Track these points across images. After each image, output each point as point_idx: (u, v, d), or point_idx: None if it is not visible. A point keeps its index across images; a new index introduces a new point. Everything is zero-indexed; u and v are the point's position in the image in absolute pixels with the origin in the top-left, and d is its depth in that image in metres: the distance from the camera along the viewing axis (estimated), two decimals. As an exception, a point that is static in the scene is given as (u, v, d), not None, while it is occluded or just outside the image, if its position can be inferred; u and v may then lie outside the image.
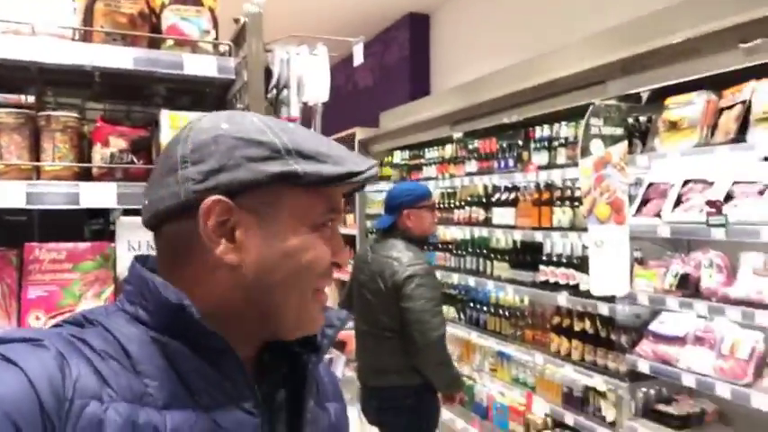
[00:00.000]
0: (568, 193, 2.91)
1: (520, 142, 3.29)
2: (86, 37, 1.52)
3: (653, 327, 2.49)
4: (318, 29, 2.60)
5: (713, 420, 2.50)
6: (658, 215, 2.39)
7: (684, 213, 2.27)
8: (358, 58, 2.35)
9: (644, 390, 2.55)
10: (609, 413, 2.61)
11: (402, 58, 5.90)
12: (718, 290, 2.20)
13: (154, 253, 0.72)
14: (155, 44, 1.58)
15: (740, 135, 2.11)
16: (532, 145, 3.16)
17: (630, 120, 2.61)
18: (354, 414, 3.00)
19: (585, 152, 2.44)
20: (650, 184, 2.56)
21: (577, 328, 2.81)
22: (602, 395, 2.66)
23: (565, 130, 2.98)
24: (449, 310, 3.81)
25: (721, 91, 2.26)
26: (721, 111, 2.22)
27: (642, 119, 2.63)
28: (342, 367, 3.63)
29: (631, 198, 2.54)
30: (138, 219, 0.72)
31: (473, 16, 5.01)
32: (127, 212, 1.51)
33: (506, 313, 3.41)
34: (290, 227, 0.67)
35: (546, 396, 3.05)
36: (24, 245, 1.40)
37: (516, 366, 3.34)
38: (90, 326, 0.65)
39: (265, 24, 1.68)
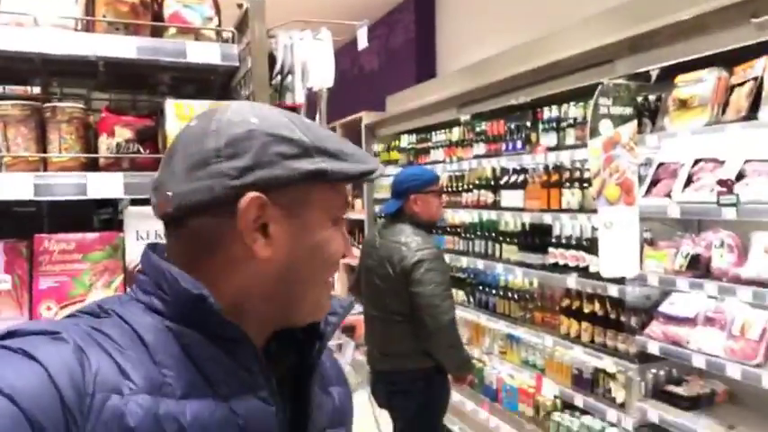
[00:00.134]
0: (577, 174, 2.88)
1: (528, 124, 3.25)
2: (89, 27, 1.52)
3: (663, 308, 2.48)
4: (322, 13, 2.58)
5: (723, 401, 2.50)
6: (668, 195, 2.36)
7: (695, 193, 2.25)
8: (362, 42, 2.33)
9: (654, 371, 2.55)
10: (618, 395, 2.61)
11: (407, 40, 5.83)
12: (728, 270, 2.19)
13: (162, 242, 0.72)
14: (157, 33, 1.57)
15: (752, 113, 2.07)
16: (540, 126, 3.13)
17: (640, 99, 2.57)
18: (365, 398, 3.03)
19: (594, 133, 2.41)
20: (660, 164, 2.53)
21: (587, 309, 2.81)
22: (612, 377, 2.66)
23: (573, 110, 2.94)
24: (458, 294, 3.81)
25: (732, 68, 2.21)
26: (732, 88, 2.18)
27: (651, 98, 2.59)
28: (351, 351, 3.67)
29: (641, 178, 2.51)
30: (146, 208, 0.73)
31: (479, -4, 4.95)
32: (134, 202, 1.52)
33: (516, 296, 3.41)
34: (318, 221, 0.71)
35: (555, 378, 3.06)
36: (34, 236, 1.41)
37: (526, 349, 3.35)
38: (105, 316, 0.66)
39: (268, 9, 1.66)
